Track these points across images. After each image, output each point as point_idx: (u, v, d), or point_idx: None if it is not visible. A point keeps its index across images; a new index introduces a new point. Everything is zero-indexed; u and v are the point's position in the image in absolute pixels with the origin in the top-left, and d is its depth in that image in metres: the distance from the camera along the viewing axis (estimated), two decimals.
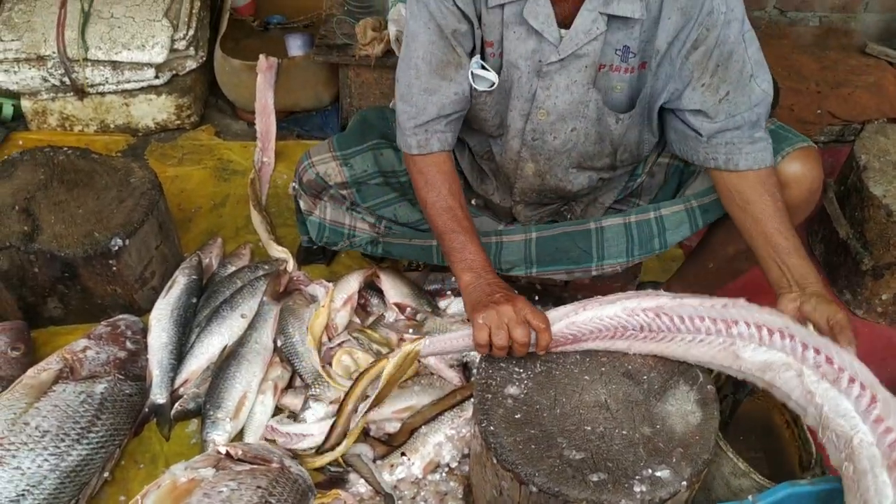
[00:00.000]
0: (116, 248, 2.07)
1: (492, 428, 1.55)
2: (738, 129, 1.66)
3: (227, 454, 1.67)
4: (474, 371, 2.04)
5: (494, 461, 1.52)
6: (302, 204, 2.13)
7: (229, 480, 1.56)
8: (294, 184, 2.12)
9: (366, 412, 1.81)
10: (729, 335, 1.51)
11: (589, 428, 1.54)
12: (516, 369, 1.66)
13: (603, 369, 1.65)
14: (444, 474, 1.90)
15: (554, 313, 1.63)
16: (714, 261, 1.99)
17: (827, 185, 2.45)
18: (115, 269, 2.10)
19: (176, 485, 1.56)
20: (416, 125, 1.74)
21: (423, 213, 1.82)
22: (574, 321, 1.63)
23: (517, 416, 1.57)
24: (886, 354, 2.27)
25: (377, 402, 1.84)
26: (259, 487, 1.55)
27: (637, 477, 1.45)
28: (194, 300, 2.23)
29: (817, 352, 1.41)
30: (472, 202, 2.11)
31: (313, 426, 1.92)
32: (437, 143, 1.76)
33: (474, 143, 1.98)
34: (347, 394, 1.80)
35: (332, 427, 1.83)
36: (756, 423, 1.89)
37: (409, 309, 2.19)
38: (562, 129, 1.78)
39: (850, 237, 2.30)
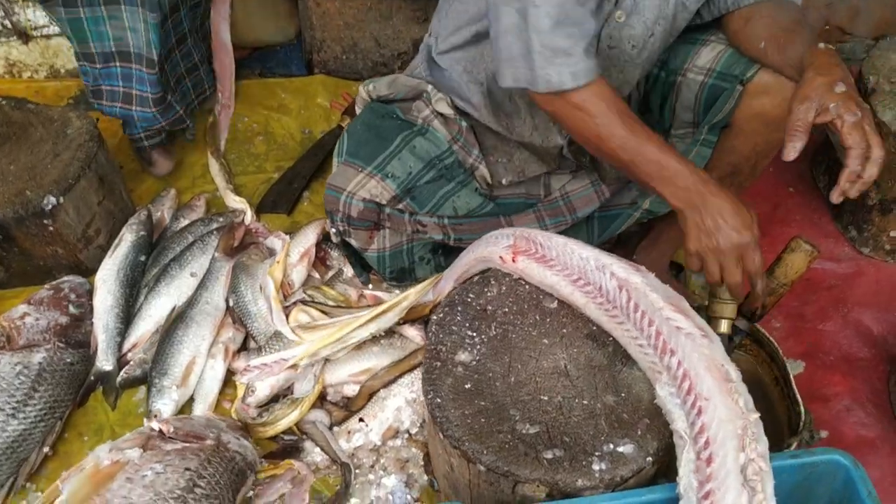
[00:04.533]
0: (50, 206, 1.92)
1: (438, 400, 1.40)
2: None
3: (161, 431, 1.55)
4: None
5: (441, 436, 1.38)
6: (355, 243, 1.87)
7: (156, 462, 1.44)
8: (334, 229, 1.86)
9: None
10: (661, 360, 1.30)
11: (545, 398, 1.39)
12: (469, 333, 1.50)
13: (564, 331, 1.49)
14: (404, 440, 1.78)
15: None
16: None
17: None
18: (52, 228, 1.95)
19: (98, 468, 1.44)
20: (587, 45, 1.39)
21: (598, 152, 1.50)
22: (549, 240, 1.49)
23: (467, 386, 1.42)
24: (893, 296, 2.08)
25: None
26: (187, 469, 1.43)
27: (596, 453, 1.31)
28: (143, 258, 2.08)
29: (706, 445, 1.17)
30: (504, 181, 1.88)
31: (294, 349, 1.77)
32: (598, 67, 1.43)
33: None
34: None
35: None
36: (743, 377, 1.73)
37: None
38: (641, 34, 1.57)
39: None
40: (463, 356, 1.47)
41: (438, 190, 1.80)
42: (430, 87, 1.84)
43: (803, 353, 1.96)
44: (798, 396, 1.58)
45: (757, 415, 1.21)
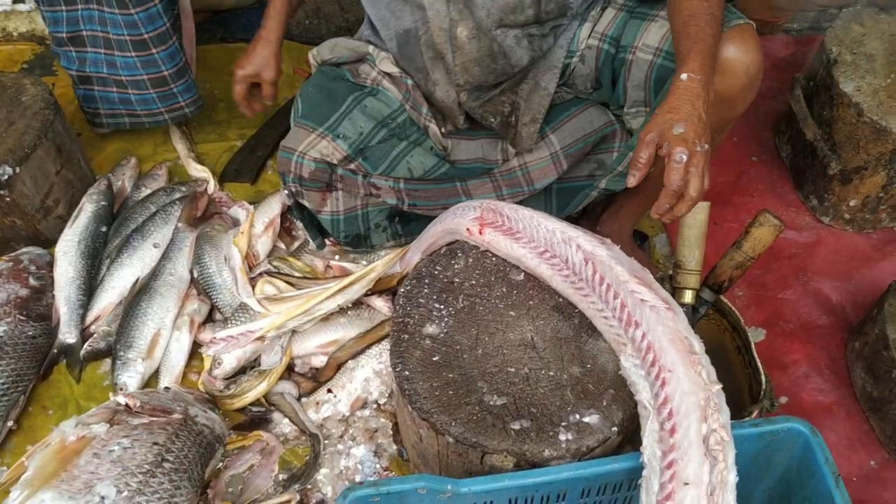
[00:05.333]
0: (6, 176, 1.87)
1: (406, 373, 1.41)
2: None
3: (127, 406, 1.53)
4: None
5: (409, 409, 1.38)
6: (308, 204, 1.84)
7: (123, 437, 1.43)
8: (286, 191, 1.84)
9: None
10: (626, 332, 1.31)
11: (512, 370, 1.40)
12: (437, 305, 1.51)
13: (531, 303, 1.50)
14: (372, 410, 1.79)
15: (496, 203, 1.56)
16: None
17: (794, 81, 2.24)
18: (8, 199, 1.91)
19: (65, 444, 1.42)
20: None
21: None
22: (516, 212, 1.51)
23: (435, 359, 1.43)
24: (851, 265, 2.12)
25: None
26: (155, 444, 1.42)
27: (563, 424, 1.33)
28: (104, 228, 2.04)
29: (670, 416, 1.20)
30: (443, 130, 1.86)
31: (260, 321, 1.77)
32: None
33: (423, 25, 1.70)
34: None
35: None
36: (706, 345, 1.76)
37: None
38: None
39: (818, 139, 2.10)
40: (430, 329, 1.47)
41: (391, 150, 1.79)
42: (371, 48, 1.84)
43: (764, 321, 2.00)
44: (759, 365, 1.61)
45: (719, 386, 1.23)
